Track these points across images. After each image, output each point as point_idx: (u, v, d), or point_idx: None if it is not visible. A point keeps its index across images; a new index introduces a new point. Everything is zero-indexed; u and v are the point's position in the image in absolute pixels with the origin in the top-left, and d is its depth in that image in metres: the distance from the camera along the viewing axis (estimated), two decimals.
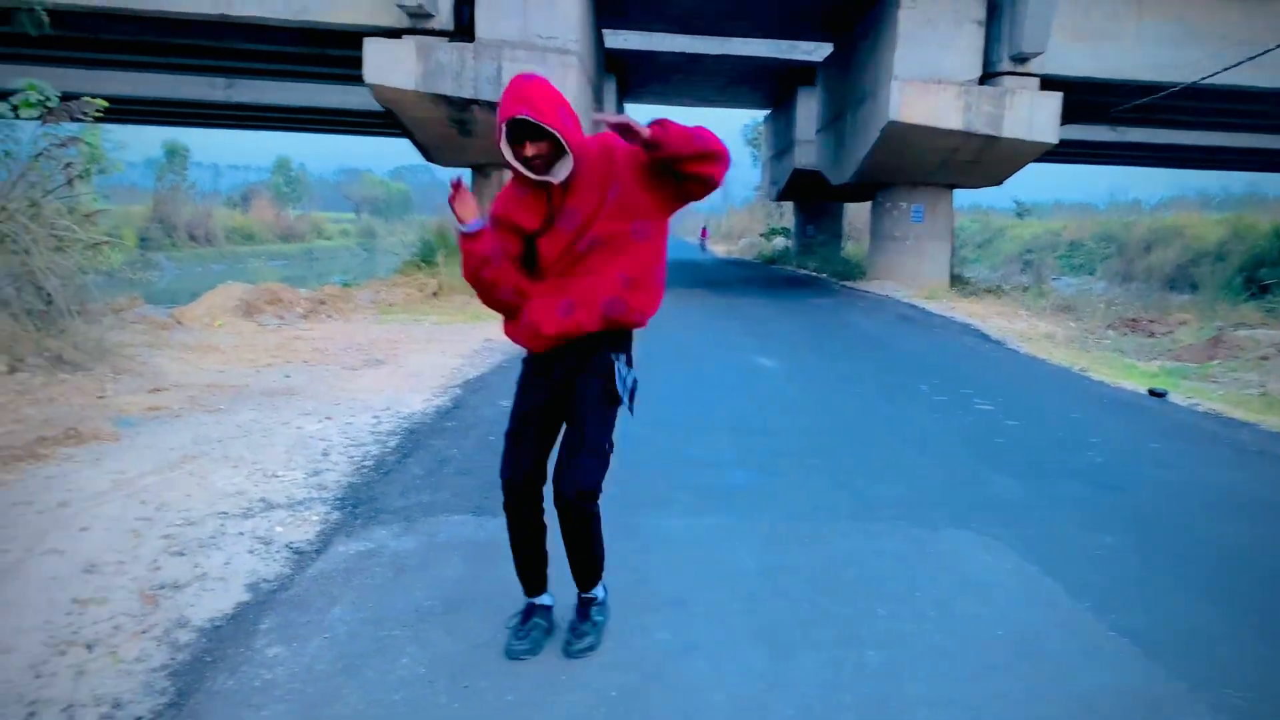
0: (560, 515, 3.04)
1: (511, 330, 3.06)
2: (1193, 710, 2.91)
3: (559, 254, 2.92)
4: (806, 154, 28.51)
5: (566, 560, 3.18)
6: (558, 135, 2.75)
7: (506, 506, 3.09)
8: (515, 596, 3.35)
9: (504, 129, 2.76)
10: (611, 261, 2.92)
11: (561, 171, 2.83)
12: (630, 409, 3.07)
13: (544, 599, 3.26)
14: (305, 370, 8.35)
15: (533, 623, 3.19)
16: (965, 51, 17.59)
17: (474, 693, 2.87)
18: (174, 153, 47.32)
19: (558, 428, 3.09)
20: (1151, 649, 3.32)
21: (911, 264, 21.02)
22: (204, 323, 10.75)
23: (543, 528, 3.14)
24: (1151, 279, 30.00)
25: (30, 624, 3.18)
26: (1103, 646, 3.33)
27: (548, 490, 3.06)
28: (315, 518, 4.39)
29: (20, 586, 3.43)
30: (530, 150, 2.78)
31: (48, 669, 2.92)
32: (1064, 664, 3.18)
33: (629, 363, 3.06)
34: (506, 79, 15.12)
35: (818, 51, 25.86)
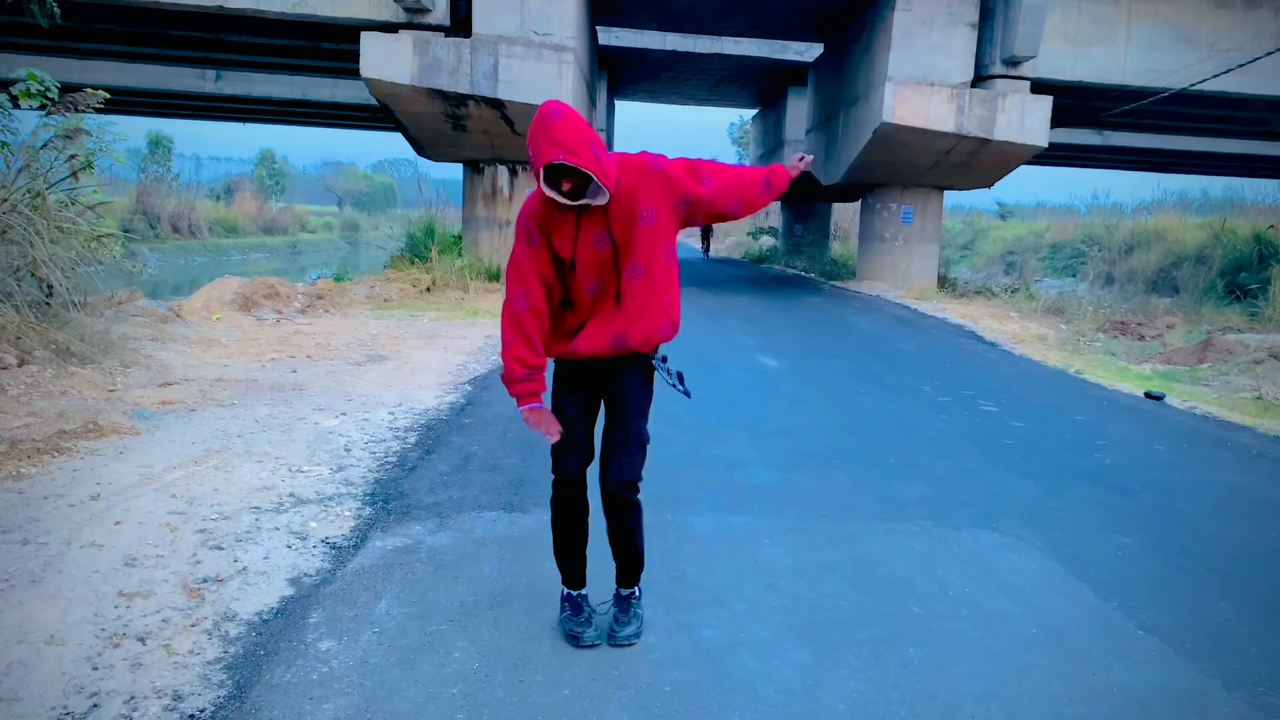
0: (610, 508, 3.13)
1: (547, 349, 3.08)
2: (1232, 708, 2.98)
3: (594, 277, 2.98)
4: (796, 153, 28.54)
5: (609, 558, 3.26)
6: (593, 175, 2.80)
7: (559, 500, 3.17)
8: (556, 592, 3.39)
9: (541, 173, 2.81)
10: (655, 291, 3.03)
11: (601, 198, 2.88)
12: (688, 393, 3.21)
13: (585, 591, 3.32)
14: (310, 365, 8.35)
15: (588, 611, 3.25)
16: (958, 54, 17.71)
17: (530, 686, 2.91)
18: (158, 144, 46.94)
19: (596, 419, 3.19)
20: (1181, 648, 3.40)
21: (901, 265, 21.16)
22: (202, 316, 10.70)
23: (588, 517, 3.24)
24: (1133, 282, 30.26)
25: (79, 617, 3.19)
26: (1134, 645, 3.41)
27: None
28: (348, 513, 4.41)
29: (64, 580, 3.45)
30: (566, 186, 2.83)
31: (103, 661, 2.94)
32: (1099, 662, 3.25)
33: (664, 358, 3.17)
34: (503, 75, 15.16)
35: (809, 52, 25.96)
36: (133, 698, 2.75)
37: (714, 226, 23.41)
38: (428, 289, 15.50)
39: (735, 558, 4.08)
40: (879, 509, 4.89)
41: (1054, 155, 25.43)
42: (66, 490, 4.37)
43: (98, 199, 9.77)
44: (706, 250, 37.59)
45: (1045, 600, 3.78)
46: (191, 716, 2.67)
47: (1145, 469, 6.02)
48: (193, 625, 3.22)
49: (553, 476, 3.15)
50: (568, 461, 3.11)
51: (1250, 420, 7.84)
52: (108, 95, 8.83)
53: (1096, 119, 21.67)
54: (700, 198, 3.05)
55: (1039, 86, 17.87)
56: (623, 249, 2.95)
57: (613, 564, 3.28)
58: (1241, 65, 16.10)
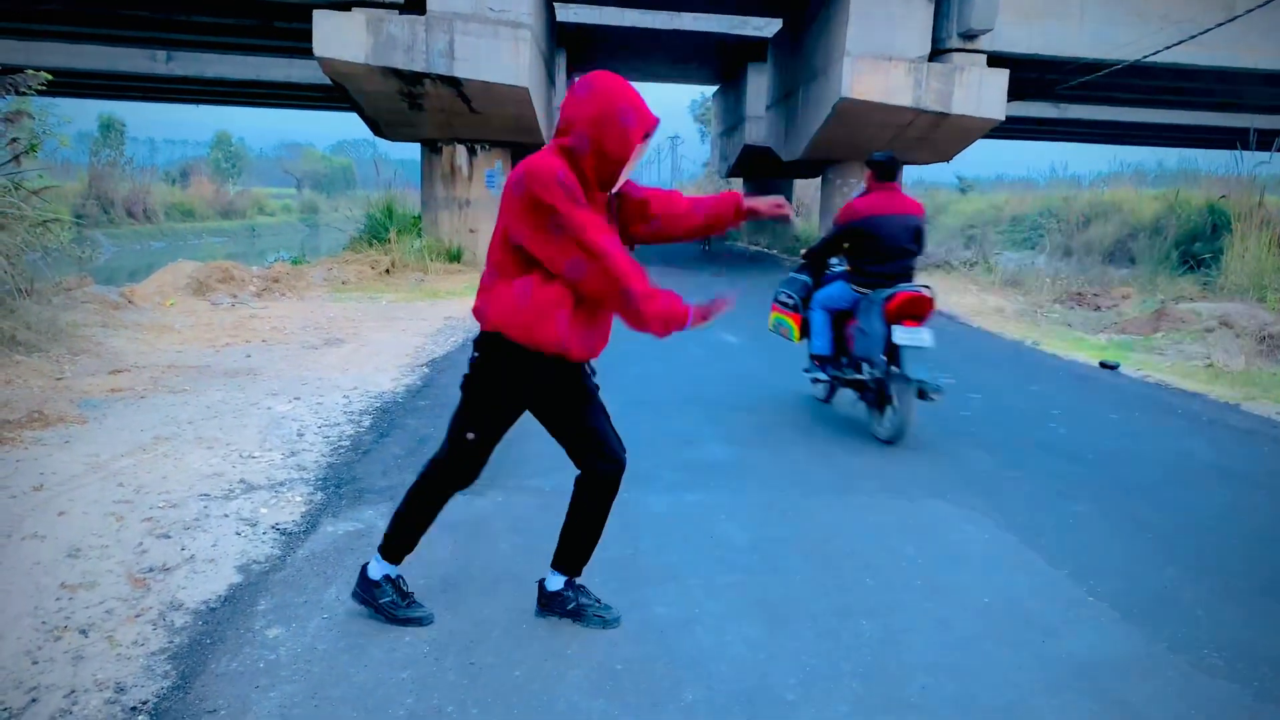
0: (609, 488, 3.07)
1: (569, 335, 2.84)
2: (1175, 669, 3.03)
3: None
4: (757, 130, 28.56)
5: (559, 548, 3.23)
6: (640, 151, 2.78)
7: (444, 500, 3.13)
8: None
9: (645, 134, 2.75)
10: None
11: (622, 181, 2.85)
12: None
13: None
14: (265, 350, 8.23)
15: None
16: (915, 29, 17.72)
17: (481, 669, 2.89)
18: (109, 127, 45.93)
19: None
20: (1129, 612, 3.44)
21: None
22: (155, 302, 10.52)
23: None
24: (1091, 253, 30.58)
25: (20, 610, 3.12)
26: (1084, 612, 3.45)
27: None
28: (299, 499, 4.35)
29: (4, 573, 3.37)
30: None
31: (44, 655, 2.88)
32: (1049, 629, 3.29)
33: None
34: (459, 52, 14.97)
35: (768, 27, 25.87)
36: (73, 691, 2.69)
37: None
38: (387, 271, 15.33)
39: (691, 534, 4.08)
40: (834, 482, 4.91)
41: (1012, 129, 25.64)
42: (8, 481, 4.27)
43: (43, 183, 9.57)
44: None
45: (997, 570, 3.82)
46: (133, 709, 2.62)
47: (1098, 438, 6.09)
48: (137, 616, 3.17)
49: (455, 477, 3.07)
50: (477, 473, 3.09)
51: (1201, 388, 7.96)
52: (50, 76, 8.62)
53: (1053, 92, 21.83)
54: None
55: (995, 60, 17.94)
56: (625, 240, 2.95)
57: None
58: (1193, 37, 16.25)
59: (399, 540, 3.14)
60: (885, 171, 5.96)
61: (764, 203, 3.07)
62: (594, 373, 3.11)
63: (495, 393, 2.94)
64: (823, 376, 6.39)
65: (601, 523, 3.14)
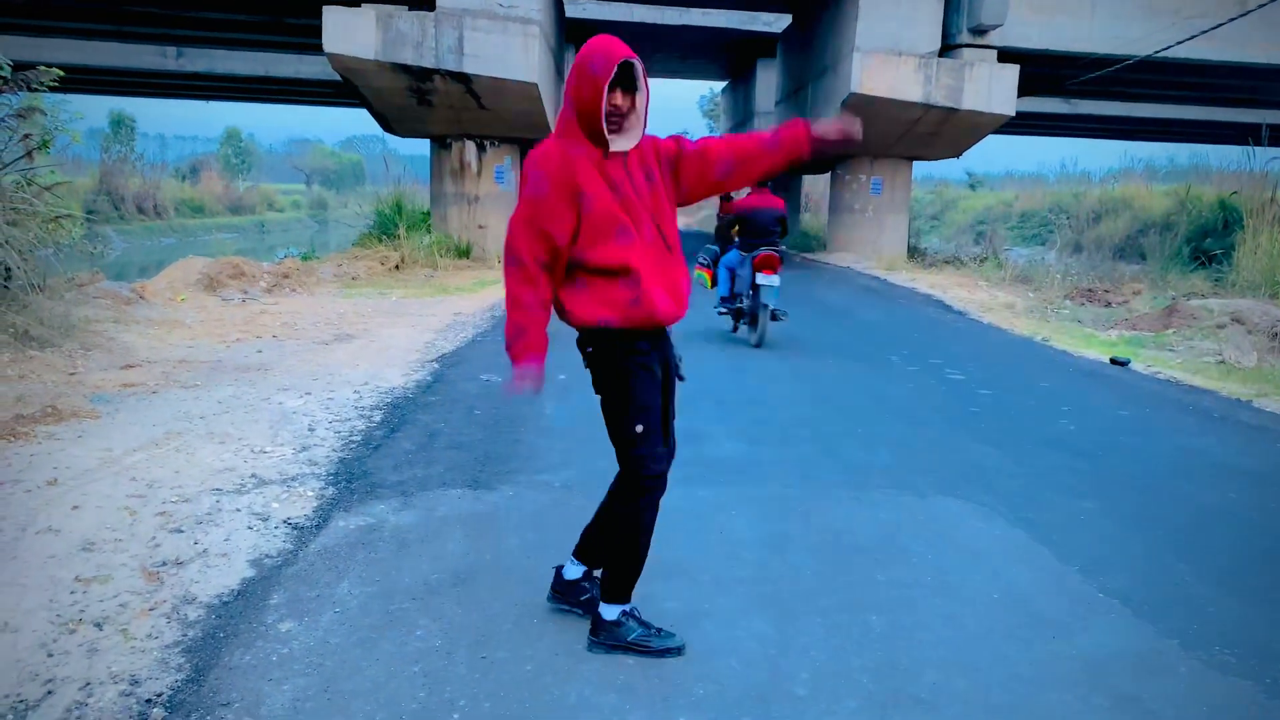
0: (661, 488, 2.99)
1: (613, 309, 2.79)
2: (1187, 666, 3.03)
3: (648, 219, 2.83)
4: (766, 125, 28.52)
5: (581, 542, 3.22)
6: (640, 94, 2.74)
7: (653, 502, 2.96)
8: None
9: (611, 74, 2.65)
10: (680, 251, 2.93)
11: (632, 139, 2.79)
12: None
13: None
14: (276, 345, 8.27)
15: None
16: (925, 23, 17.70)
17: (493, 663, 2.90)
18: (120, 123, 46.16)
19: None
20: (1140, 609, 3.44)
21: (871, 236, 21.22)
22: (166, 298, 10.56)
23: None
24: (1101, 249, 30.47)
25: (35, 603, 3.15)
26: (1094, 608, 3.44)
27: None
28: (310, 493, 4.37)
29: (19, 566, 3.40)
30: (620, 99, 2.72)
31: (59, 648, 2.90)
32: (1059, 625, 3.28)
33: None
34: (468, 48, 14.98)
35: (777, 23, 25.85)
36: (88, 683, 2.71)
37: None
38: (396, 266, 15.38)
39: (700, 529, 4.09)
40: (844, 478, 4.91)
41: (1022, 124, 25.57)
42: (23, 475, 4.30)
43: (54, 180, 9.60)
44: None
45: (1007, 566, 3.82)
46: (148, 701, 2.64)
47: (1108, 434, 6.08)
48: (151, 609, 3.19)
49: (650, 475, 2.90)
50: (663, 458, 2.97)
51: (1213, 384, 7.93)
52: (61, 73, 8.65)
53: (1063, 87, 21.76)
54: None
55: (1006, 55, 17.90)
56: (654, 194, 2.88)
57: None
58: (1205, 32, 16.19)
59: (621, 577, 3.03)
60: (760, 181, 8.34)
61: (832, 128, 2.94)
62: (679, 365, 3.07)
63: (618, 380, 2.89)
64: (724, 310, 9.54)
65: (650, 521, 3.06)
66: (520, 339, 2.79)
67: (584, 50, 2.71)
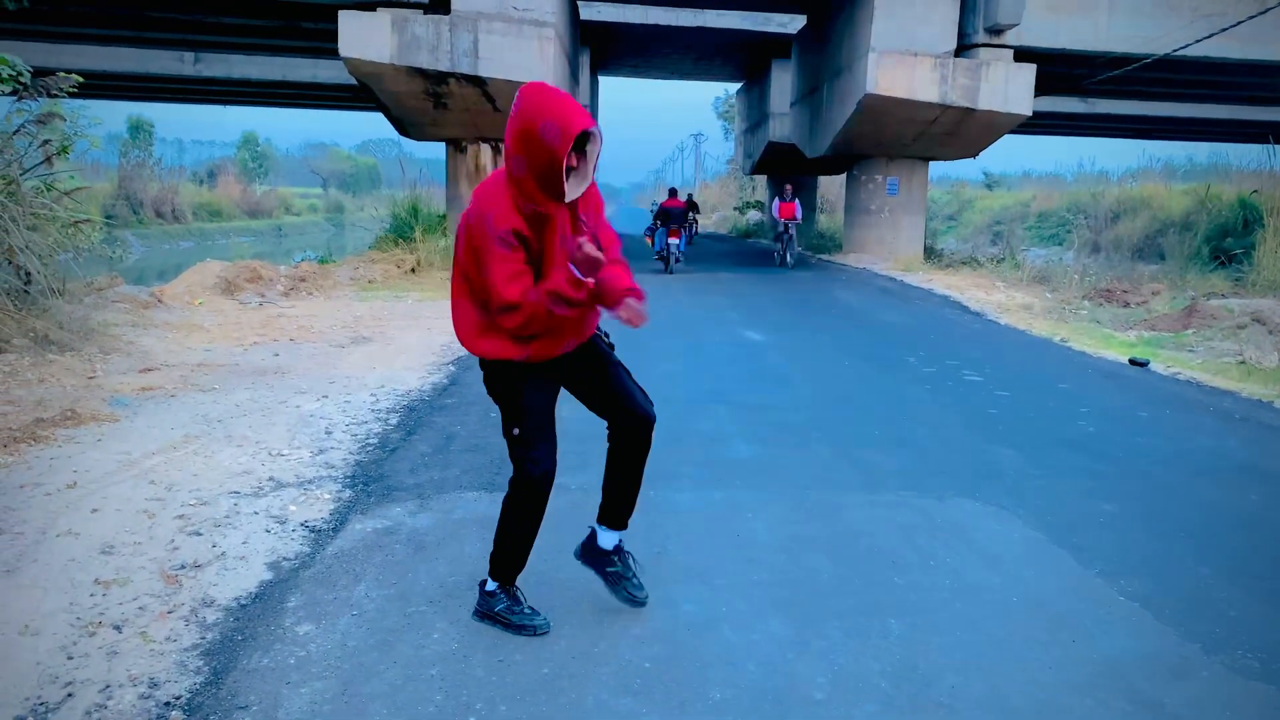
0: (642, 442, 3.13)
1: (516, 349, 2.91)
2: (1210, 670, 3.00)
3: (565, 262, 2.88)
4: (781, 127, 28.50)
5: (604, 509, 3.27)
6: (591, 152, 2.78)
7: (538, 500, 3.06)
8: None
9: (569, 147, 2.67)
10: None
11: (581, 187, 2.82)
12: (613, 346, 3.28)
13: None
14: (293, 348, 8.30)
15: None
16: (941, 23, 17.63)
17: (509, 666, 2.90)
18: (138, 128, 46.49)
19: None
20: (1161, 613, 3.40)
21: (887, 237, 21.14)
22: (184, 301, 10.63)
23: None
24: (1120, 249, 30.26)
25: (55, 606, 3.17)
26: (1115, 611, 3.41)
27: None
28: (327, 496, 4.39)
29: (40, 569, 3.42)
30: (575, 161, 2.77)
31: (79, 650, 2.91)
32: (1080, 629, 3.26)
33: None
34: (483, 52, 15.02)
35: (792, 24, 25.79)
36: (108, 686, 2.73)
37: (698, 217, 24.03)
38: (412, 270, 15.42)
39: (717, 532, 4.08)
40: (861, 481, 4.89)
41: (1039, 124, 25.41)
42: (43, 479, 4.33)
43: (74, 184, 9.69)
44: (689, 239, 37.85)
45: (1026, 569, 3.79)
46: (167, 704, 2.65)
47: (1128, 436, 6.04)
48: (170, 612, 3.20)
49: (530, 474, 3.01)
50: (548, 458, 3.05)
51: (1233, 385, 7.86)
52: (81, 79, 8.73)
53: (1080, 86, 21.61)
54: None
55: (1022, 55, 17.81)
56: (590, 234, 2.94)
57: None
58: (1224, 30, 16.07)
59: (500, 559, 3.16)
60: (672, 192, 18.99)
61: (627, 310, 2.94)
62: (607, 335, 3.18)
63: (508, 391, 3.00)
64: (657, 256, 17.83)
65: (638, 476, 3.19)
66: (600, 296, 2.87)
67: (528, 110, 2.67)
